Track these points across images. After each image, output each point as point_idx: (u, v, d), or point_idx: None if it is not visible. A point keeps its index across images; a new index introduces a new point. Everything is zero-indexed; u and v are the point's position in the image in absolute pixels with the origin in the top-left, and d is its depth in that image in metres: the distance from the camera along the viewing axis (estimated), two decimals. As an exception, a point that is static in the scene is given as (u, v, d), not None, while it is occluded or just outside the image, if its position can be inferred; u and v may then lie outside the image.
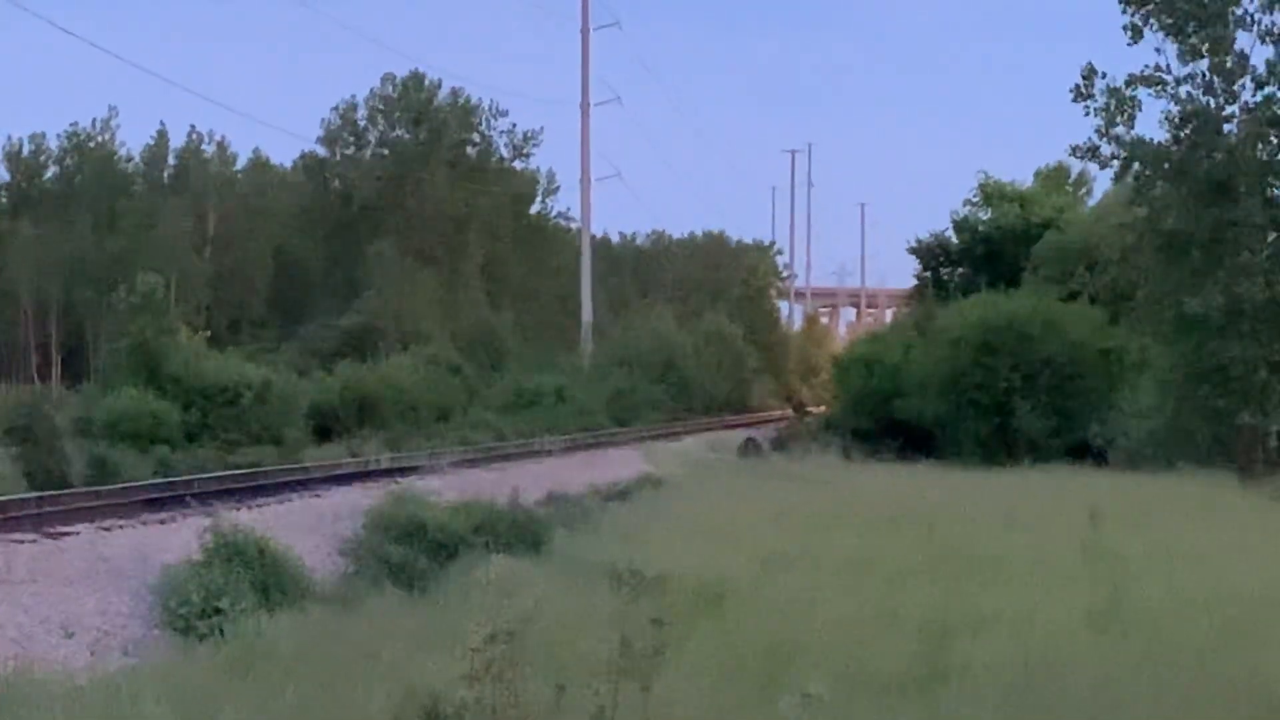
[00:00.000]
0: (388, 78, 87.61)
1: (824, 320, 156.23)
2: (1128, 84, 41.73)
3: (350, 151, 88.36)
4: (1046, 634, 14.51)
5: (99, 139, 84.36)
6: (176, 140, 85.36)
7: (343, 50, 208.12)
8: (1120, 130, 41.89)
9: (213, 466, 35.29)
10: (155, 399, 40.67)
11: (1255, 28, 41.60)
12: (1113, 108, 41.67)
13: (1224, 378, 40.45)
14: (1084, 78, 42.06)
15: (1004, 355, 50.00)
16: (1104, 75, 42.02)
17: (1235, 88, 41.66)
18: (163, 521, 22.27)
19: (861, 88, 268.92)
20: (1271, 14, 41.44)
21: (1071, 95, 42.12)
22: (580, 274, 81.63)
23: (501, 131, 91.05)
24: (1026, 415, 48.94)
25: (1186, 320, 40.56)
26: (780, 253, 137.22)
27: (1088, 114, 42.04)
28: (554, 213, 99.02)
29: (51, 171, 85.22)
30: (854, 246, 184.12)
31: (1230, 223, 40.74)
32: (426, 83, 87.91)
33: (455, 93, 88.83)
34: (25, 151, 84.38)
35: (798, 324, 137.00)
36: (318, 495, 27.93)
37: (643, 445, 52.36)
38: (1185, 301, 40.12)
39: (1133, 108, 41.73)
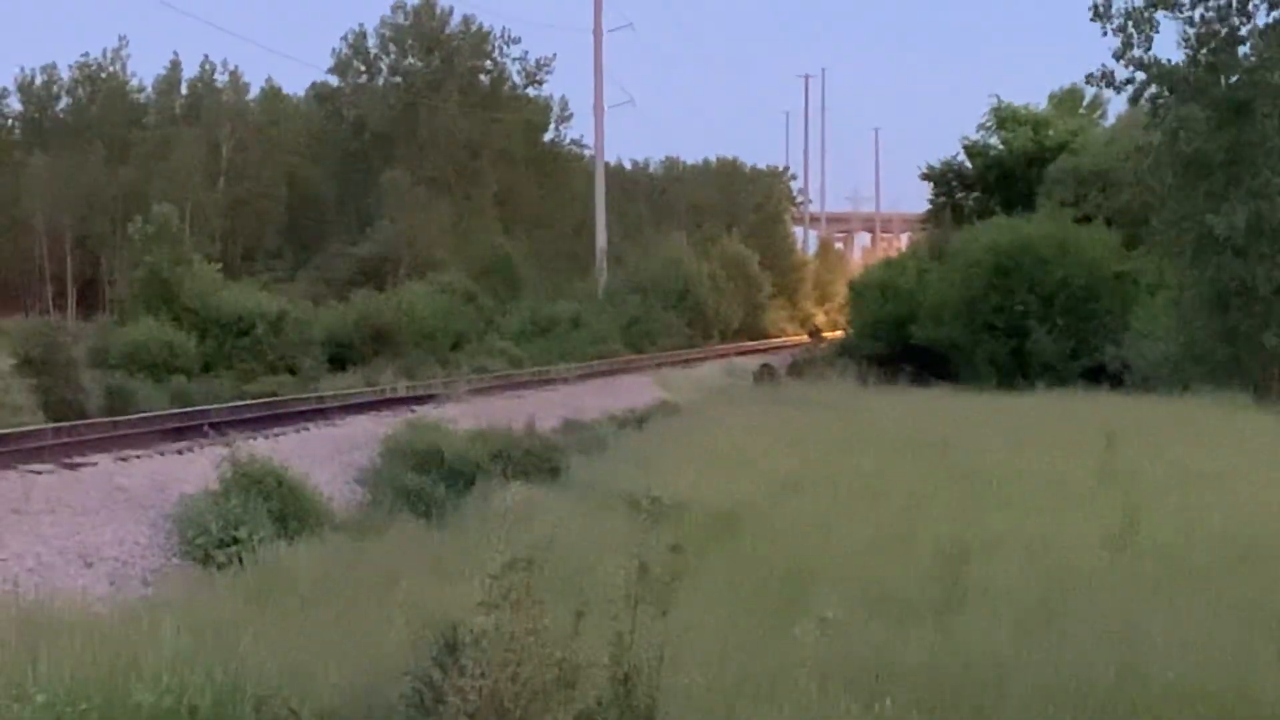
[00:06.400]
0: (398, 6, 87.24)
1: (839, 246, 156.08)
2: (1146, 5, 41.35)
3: (362, 80, 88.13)
4: (1062, 557, 14.54)
5: (111, 70, 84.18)
6: (189, 70, 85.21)
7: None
8: (1137, 52, 41.58)
9: (229, 396, 35.43)
10: (171, 329, 40.78)
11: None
12: (1130, 28, 41.32)
13: (1249, 299, 40.27)
14: (1103, -4, 41.72)
15: (1019, 279, 49.89)
16: (1124, -4, 41.66)
17: (1250, 8, 41.34)
18: (180, 451, 22.34)
19: (876, 12, 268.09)
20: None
21: (1090, 14, 41.81)
22: (594, 201, 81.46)
23: (514, 59, 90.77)
24: (1042, 339, 48.87)
25: (1207, 241, 40.35)
26: (794, 178, 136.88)
27: (1105, 34, 41.77)
28: (567, 140, 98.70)
29: (64, 102, 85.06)
30: (868, 172, 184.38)
31: (1248, 143, 40.50)
32: (438, 11, 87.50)
33: (467, 21, 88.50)
34: (37, 82, 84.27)
35: (812, 250, 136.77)
36: (334, 424, 27.99)
37: (658, 372, 52.35)
38: (1209, 219, 39.81)
39: (1150, 28, 41.39)
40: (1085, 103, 71.76)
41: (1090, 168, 58.11)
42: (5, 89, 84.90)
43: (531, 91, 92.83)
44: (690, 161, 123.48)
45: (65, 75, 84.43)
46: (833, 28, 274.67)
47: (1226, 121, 40.62)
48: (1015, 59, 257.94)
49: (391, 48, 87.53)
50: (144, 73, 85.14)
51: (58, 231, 73.55)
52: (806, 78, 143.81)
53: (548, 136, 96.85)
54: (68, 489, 17.87)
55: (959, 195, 70.61)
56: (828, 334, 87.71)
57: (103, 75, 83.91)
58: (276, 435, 25.19)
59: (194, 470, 19.11)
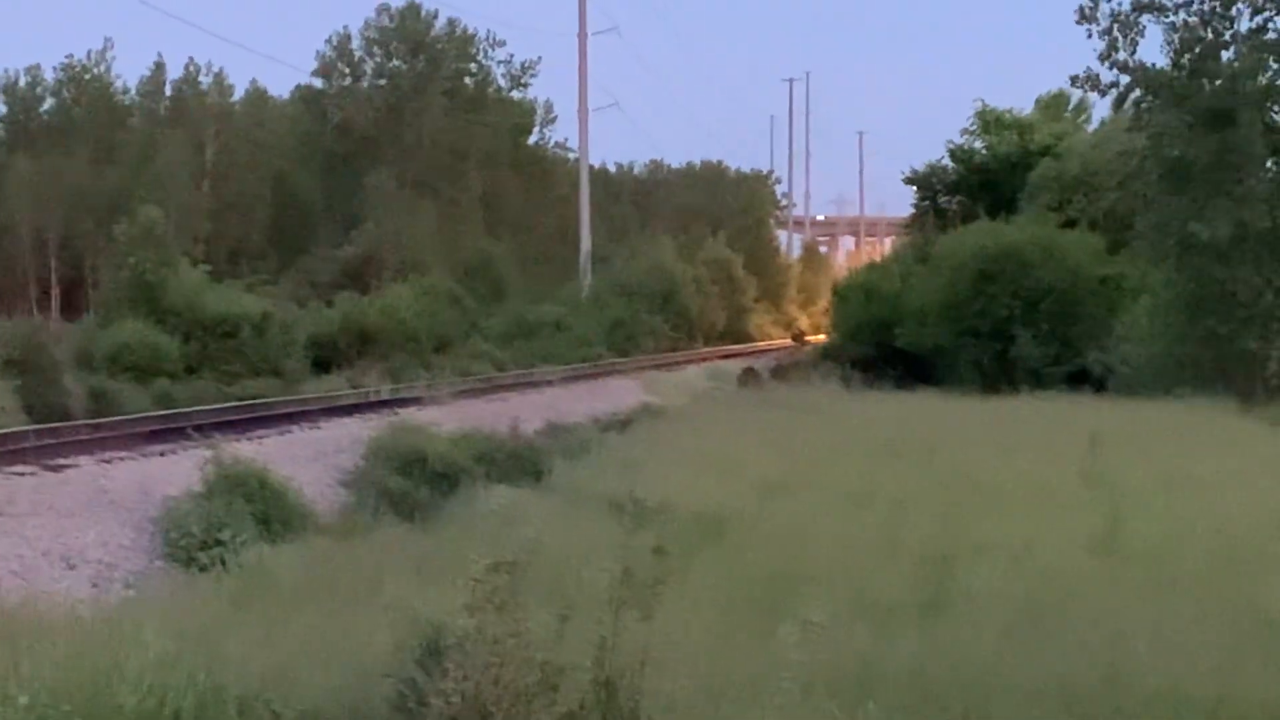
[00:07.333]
0: (383, 8, 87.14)
1: (823, 249, 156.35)
2: (1132, 9, 41.33)
3: (347, 83, 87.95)
4: (1047, 561, 14.52)
5: (95, 71, 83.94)
6: (174, 72, 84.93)
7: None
8: (1122, 55, 41.58)
9: (213, 398, 35.33)
10: (155, 331, 40.65)
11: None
12: (1115, 32, 41.30)
13: (1230, 304, 40.29)
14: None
15: (1003, 283, 49.91)
16: (1109, -1, 41.65)
17: (1232, 13, 41.34)
18: (163, 454, 22.30)
19: (861, 16, 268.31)
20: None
21: (1076, 18, 41.81)
22: (579, 204, 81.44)
23: (499, 62, 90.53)
24: (1026, 343, 48.90)
25: (1191, 246, 40.34)
26: (779, 182, 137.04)
27: (1090, 37, 41.76)
28: (552, 143, 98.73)
29: (48, 104, 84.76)
30: (853, 176, 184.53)
31: (1230, 150, 40.51)
32: (423, 13, 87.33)
33: (452, 23, 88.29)
34: (21, 84, 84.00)
35: (797, 253, 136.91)
36: (318, 427, 27.95)
37: (642, 375, 52.36)
38: (1192, 225, 39.76)
39: (1135, 33, 41.38)
40: (1070, 107, 71.78)
41: (1075, 172, 58.15)
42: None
43: (516, 94, 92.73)
44: (675, 165, 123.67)
45: (49, 77, 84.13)
46: (817, 31, 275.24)
47: (1209, 127, 40.61)
48: (1001, 63, 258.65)
49: (376, 50, 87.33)
50: (128, 74, 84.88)
51: (42, 233, 73.34)
52: (791, 81, 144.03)
53: (532, 139, 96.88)
54: (51, 491, 17.83)
55: (943, 199, 70.60)
56: (811, 338, 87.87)
57: (87, 77, 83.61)
58: (260, 437, 25.17)
59: (177, 472, 19.07)
